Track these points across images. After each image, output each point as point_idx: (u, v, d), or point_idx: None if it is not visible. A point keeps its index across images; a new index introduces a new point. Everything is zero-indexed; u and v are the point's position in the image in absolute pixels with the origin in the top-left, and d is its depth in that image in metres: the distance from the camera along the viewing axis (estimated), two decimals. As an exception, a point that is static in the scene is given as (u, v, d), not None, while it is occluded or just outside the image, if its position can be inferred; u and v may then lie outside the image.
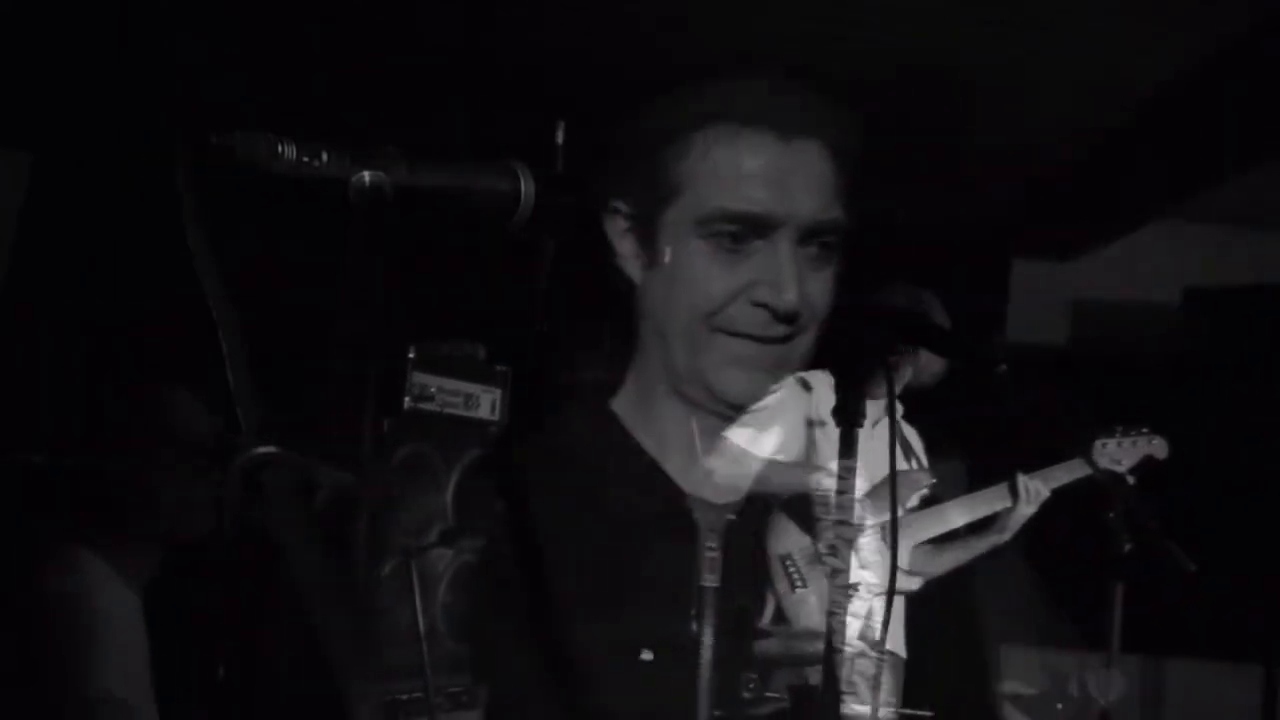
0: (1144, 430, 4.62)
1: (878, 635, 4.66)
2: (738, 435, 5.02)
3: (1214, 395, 5.72)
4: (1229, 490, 5.41)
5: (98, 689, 2.59)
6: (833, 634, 1.44)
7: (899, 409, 4.62)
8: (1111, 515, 3.49)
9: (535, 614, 1.43)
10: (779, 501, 1.74)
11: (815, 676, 1.62)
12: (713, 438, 1.64)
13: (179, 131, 1.10)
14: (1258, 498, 5.41)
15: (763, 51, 5.00)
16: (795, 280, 1.51)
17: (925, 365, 4.46)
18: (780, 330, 1.55)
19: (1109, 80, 5.07)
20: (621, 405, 1.68)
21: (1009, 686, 4.93)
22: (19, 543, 2.83)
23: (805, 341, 1.58)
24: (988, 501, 4.61)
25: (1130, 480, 4.50)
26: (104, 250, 6.01)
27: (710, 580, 1.57)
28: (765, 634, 1.67)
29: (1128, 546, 3.49)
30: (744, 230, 1.51)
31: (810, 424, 3.66)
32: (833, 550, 1.49)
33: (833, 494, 1.50)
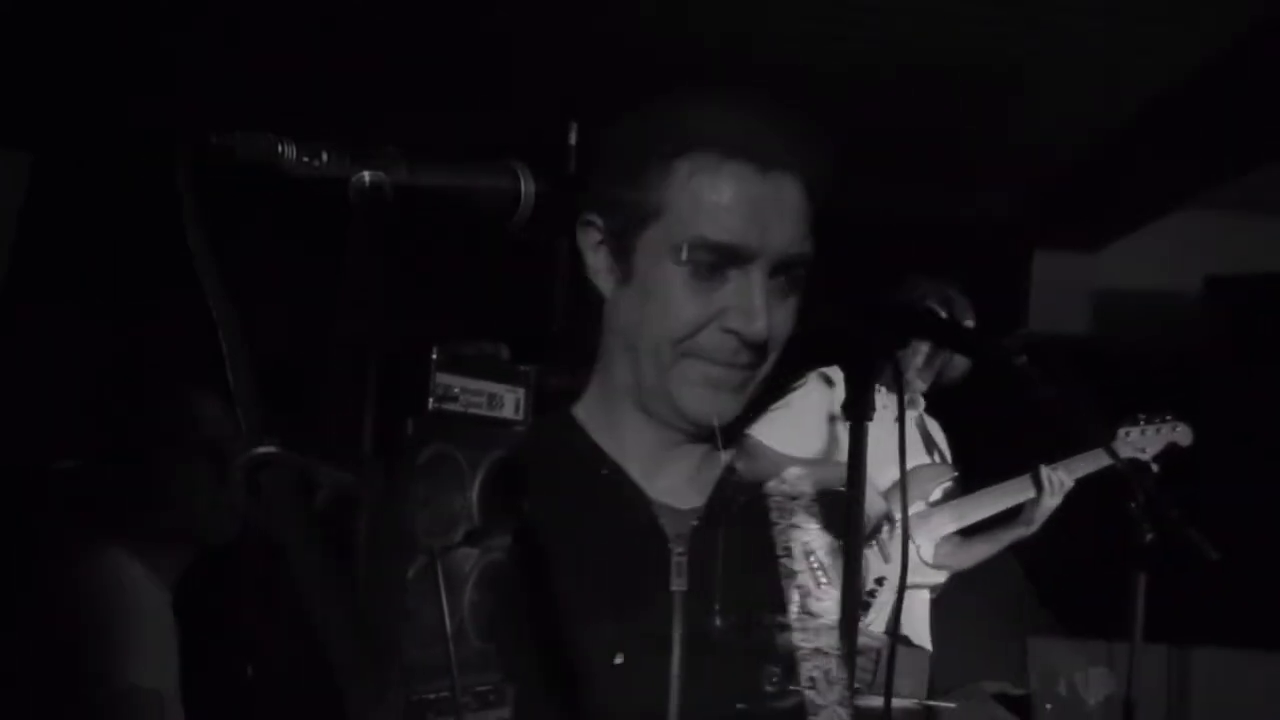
0: (1168, 417, 4.61)
1: (901, 628, 4.66)
2: (760, 431, 4.99)
3: (1236, 382, 5.71)
4: (1253, 477, 5.40)
5: (131, 681, 2.62)
6: (849, 627, 1.46)
7: (921, 403, 4.62)
8: (1133, 505, 3.48)
9: (529, 616, 1.44)
10: (802, 498, 1.75)
11: (839, 670, 1.65)
12: (674, 450, 1.66)
13: (179, 131, 1.10)
14: (1281, 484, 5.40)
15: (763, 51, 5.01)
16: (766, 310, 1.55)
17: (954, 360, 4.45)
18: (747, 357, 1.58)
19: (1124, 73, 5.07)
20: (584, 412, 1.69)
21: (996, 687, 4.92)
22: (54, 541, 2.87)
23: (767, 367, 1.62)
24: (1011, 493, 4.61)
25: (1154, 468, 4.50)
26: (104, 250, 6.00)
27: (678, 584, 1.59)
28: (788, 627, 1.68)
29: (1149, 536, 3.48)
30: (720, 260, 1.54)
31: (833, 419, 3.68)
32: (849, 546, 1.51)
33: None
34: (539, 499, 1.43)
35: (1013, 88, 5.23)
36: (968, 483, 4.65)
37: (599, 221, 1.60)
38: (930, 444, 4.68)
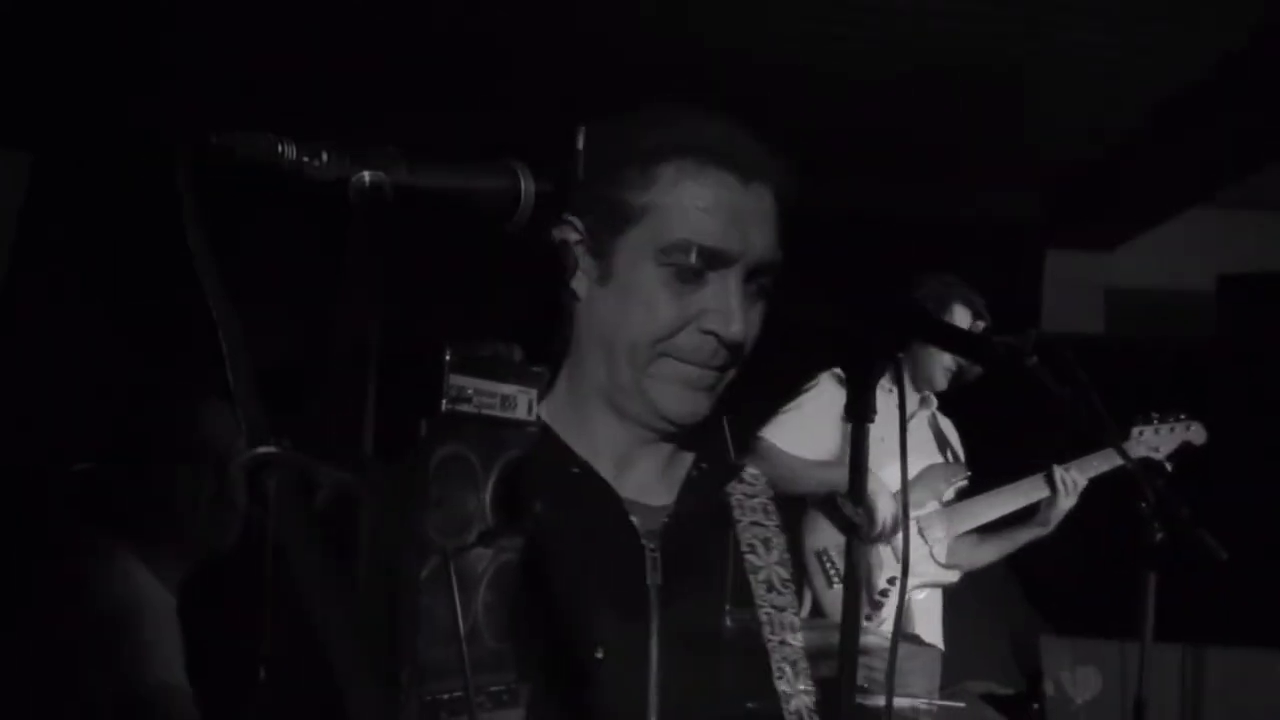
0: (1181, 416, 4.61)
1: (914, 627, 4.65)
2: (772, 433, 5.00)
3: (1249, 381, 5.70)
4: (1265, 475, 5.39)
5: (161, 677, 2.64)
6: (850, 626, 1.48)
7: (934, 401, 4.62)
8: (1143, 505, 3.48)
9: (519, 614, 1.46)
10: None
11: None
12: (642, 449, 1.68)
13: (179, 131, 1.09)
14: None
15: (763, 51, 5.02)
16: (743, 313, 1.59)
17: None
18: (723, 358, 1.61)
19: (1134, 73, 5.07)
20: (549, 411, 1.69)
21: (982, 686, 4.90)
22: (67, 541, 2.89)
23: (736, 369, 1.65)
24: (1025, 493, 4.61)
25: (1168, 467, 4.49)
26: (104, 250, 6.01)
27: (654, 579, 1.62)
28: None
29: (1159, 535, 3.48)
30: (702, 262, 1.58)
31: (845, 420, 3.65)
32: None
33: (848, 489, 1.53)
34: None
35: (1020, 88, 5.23)
36: (978, 482, 4.65)
37: (577, 222, 1.62)
38: (943, 443, 4.68)
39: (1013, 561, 4.75)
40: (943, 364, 4.47)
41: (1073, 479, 4.48)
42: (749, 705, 1.64)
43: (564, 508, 1.53)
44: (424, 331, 1.15)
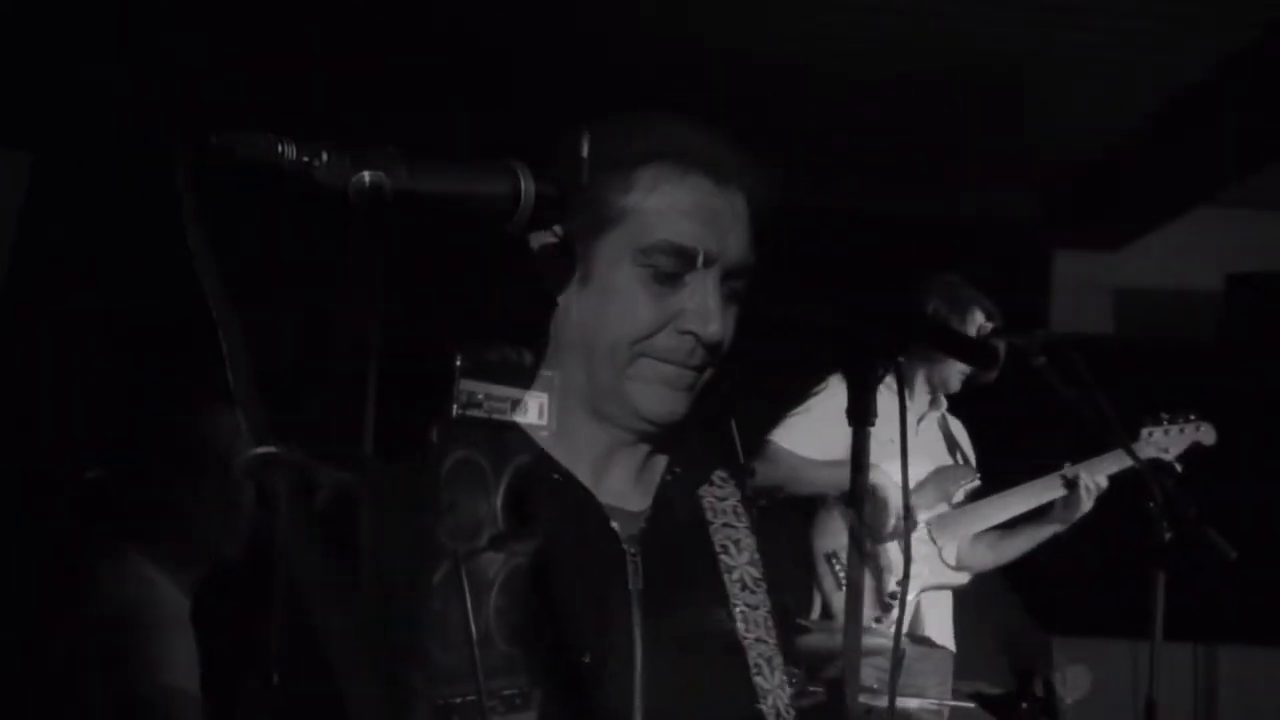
0: (1191, 417, 4.60)
1: (925, 629, 4.66)
2: (781, 437, 5.00)
3: (1258, 380, 5.68)
4: (1275, 475, 5.38)
5: (168, 681, 2.64)
6: (852, 627, 1.48)
7: (943, 403, 4.61)
8: (1152, 504, 3.47)
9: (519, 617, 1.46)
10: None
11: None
12: (619, 453, 1.70)
13: (179, 131, 1.10)
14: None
15: (762, 51, 5.01)
16: (720, 313, 1.61)
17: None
18: (701, 358, 1.63)
19: (1140, 72, 5.06)
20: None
21: (971, 687, 4.88)
22: (72, 544, 2.89)
23: (713, 369, 1.67)
24: (1036, 494, 4.59)
25: (1178, 468, 4.48)
26: (104, 251, 6.00)
27: (636, 584, 1.63)
28: (807, 629, 1.71)
29: (1168, 535, 3.48)
30: (680, 264, 1.60)
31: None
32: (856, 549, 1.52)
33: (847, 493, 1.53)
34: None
35: (1020, 88, 5.23)
36: (987, 483, 4.63)
37: (556, 226, 1.62)
38: (953, 445, 4.67)
39: (1016, 561, 4.74)
40: (958, 366, 4.47)
41: (1089, 481, 4.46)
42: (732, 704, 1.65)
43: (547, 514, 1.53)
44: (424, 331, 1.14)
